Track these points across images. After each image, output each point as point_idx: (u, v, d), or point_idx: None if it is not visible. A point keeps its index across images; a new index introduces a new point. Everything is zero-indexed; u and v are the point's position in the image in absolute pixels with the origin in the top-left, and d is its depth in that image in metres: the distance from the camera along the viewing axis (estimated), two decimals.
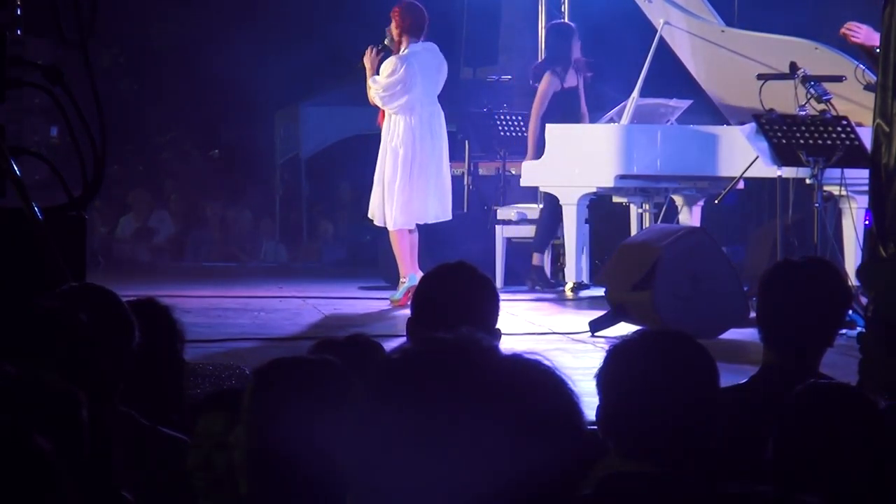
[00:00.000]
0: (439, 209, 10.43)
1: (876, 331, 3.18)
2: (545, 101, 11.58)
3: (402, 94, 10.28)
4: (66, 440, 2.40)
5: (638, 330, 2.98)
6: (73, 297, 3.55)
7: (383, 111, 10.38)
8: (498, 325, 3.69)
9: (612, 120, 11.26)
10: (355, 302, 10.77)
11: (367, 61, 10.45)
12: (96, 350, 3.16)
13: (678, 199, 11.12)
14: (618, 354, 2.84)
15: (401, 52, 10.35)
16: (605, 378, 2.81)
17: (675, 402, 2.76)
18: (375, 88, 10.33)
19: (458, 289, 3.64)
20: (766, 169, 9.83)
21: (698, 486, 2.72)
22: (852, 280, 7.74)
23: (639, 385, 2.78)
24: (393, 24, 10.43)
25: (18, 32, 5.59)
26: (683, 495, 2.71)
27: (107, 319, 3.42)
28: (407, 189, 10.32)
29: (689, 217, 11.16)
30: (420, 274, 10.08)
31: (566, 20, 12.56)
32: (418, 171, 10.31)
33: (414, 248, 10.40)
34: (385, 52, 10.48)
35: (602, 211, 11.79)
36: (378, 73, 10.38)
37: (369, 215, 10.63)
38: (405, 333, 3.69)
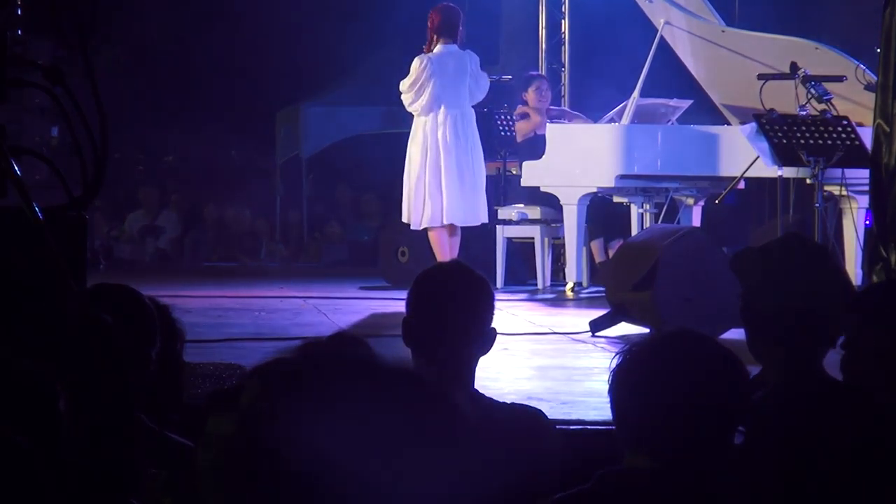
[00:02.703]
0: (464, 213, 10.47)
1: (749, 321, 3.23)
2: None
3: (419, 95, 10.40)
4: (42, 433, 2.35)
5: (664, 330, 2.95)
6: (98, 298, 3.51)
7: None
8: (494, 325, 3.69)
9: (612, 120, 11.26)
10: (355, 302, 10.77)
11: None
12: (124, 356, 3.05)
13: (678, 199, 11.12)
14: (642, 354, 2.80)
15: (434, 49, 10.48)
16: (621, 378, 2.78)
17: (698, 405, 2.73)
18: (402, 92, 10.46)
19: (454, 289, 3.65)
20: (766, 169, 9.83)
21: (698, 482, 2.72)
22: (855, 279, 7.76)
23: (658, 387, 2.75)
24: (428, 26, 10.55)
25: (19, 32, 5.59)
26: (682, 492, 2.71)
27: (134, 323, 3.38)
28: (421, 190, 10.42)
29: (690, 217, 11.16)
30: None
31: (540, 71, 12.66)
32: (434, 172, 10.40)
33: (444, 250, 10.48)
34: None
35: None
36: None
37: (404, 219, 10.76)
38: (401, 333, 3.69)
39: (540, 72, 12.81)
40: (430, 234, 10.58)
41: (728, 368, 2.80)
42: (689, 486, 2.70)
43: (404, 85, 10.52)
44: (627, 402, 2.76)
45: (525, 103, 12.06)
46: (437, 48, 10.48)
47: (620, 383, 2.77)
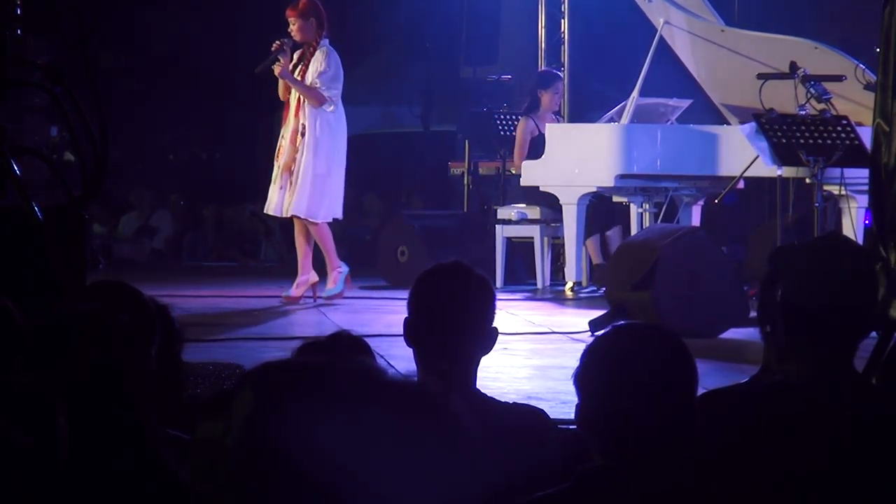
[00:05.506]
0: (340, 206, 10.43)
1: (789, 319, 3.20)
2: (523, 148, 11.74)
3: (339, 86, 10.18)
4: (43, 447, 2.33)
5: (615, 325, 2.97)
6: (101, 297, 3.49)
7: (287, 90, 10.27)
8: (495, 325, 3.70)
9: (612, 120, 11.26)
10: (355, 301, 10.77)
11: (284, 56, 10.13)
12: (135, 357, 2.99)
13: (678, 199, 11.12)
14: (591, 353, 2.85)
15: (323, 45, 10.18)
16: (581, 376, 2.83)
17: (646, 401, 2.76)
18: (323, 82, 10.04)
19: (454, 289, 3.65)
20: (766, 168, 9.84)
21: (670, 483, 2.74)
22: None
23: (610, 383, 2.79)
24: (304, 19, 10.15)
25: (18, 32, 5.59)
26: (654, 492, 2.73)
27: (133, 320, 3.37)
28: (337, 180, 10.34)
29: (689, 217, 11.17)
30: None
31: (548, 68, 12.58)
32: (337, 163, 10.31)
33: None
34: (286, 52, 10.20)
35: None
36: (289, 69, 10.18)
37: (276, 210, 10.59)
38: (402, 333, 3.70)
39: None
40: (322, 228, 10.52)
41: (677, 365, 2.82)
42: (657, 483, 2.73)
43: (335, 81, 10.10)
44: (584, 402, 2.81)
45: (537, 100, 11.96)
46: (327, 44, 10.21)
47: (577, 384, 2.82)
